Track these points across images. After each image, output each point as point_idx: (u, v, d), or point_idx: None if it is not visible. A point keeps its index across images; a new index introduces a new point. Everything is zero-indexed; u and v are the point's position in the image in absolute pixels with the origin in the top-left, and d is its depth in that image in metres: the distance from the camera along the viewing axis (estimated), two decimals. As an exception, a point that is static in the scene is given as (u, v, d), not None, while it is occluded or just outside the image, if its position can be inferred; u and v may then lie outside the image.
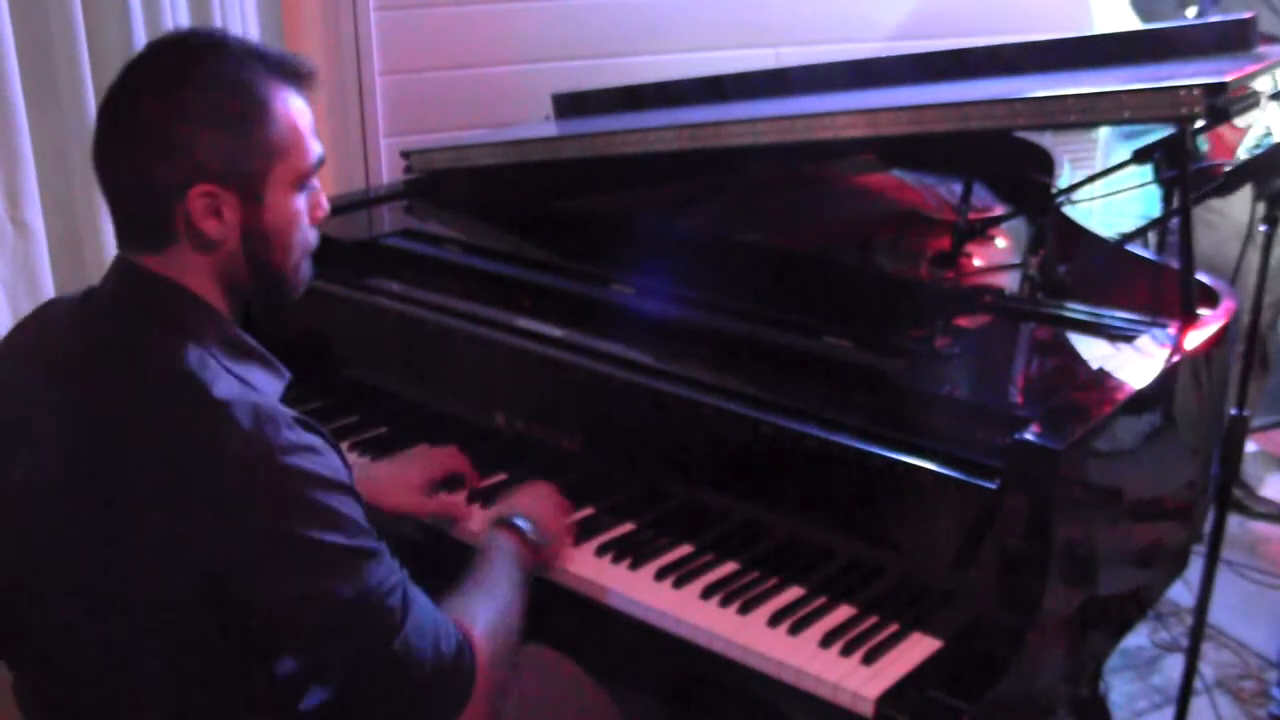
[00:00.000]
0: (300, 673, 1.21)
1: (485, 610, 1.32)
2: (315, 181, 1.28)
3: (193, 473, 1.11)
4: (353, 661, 1.18)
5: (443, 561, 1.63)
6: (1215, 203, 2.66)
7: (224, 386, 1.15)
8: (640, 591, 1.52)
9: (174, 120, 1.16)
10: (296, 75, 1.23)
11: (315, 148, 1.25)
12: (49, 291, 2.06)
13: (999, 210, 2.10)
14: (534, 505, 1.55)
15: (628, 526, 1.65)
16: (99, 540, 1.16)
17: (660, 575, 1.54)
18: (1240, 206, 2.26)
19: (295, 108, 1.22)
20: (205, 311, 1.22)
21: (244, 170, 1.19)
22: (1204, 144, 2.75)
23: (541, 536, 1.50)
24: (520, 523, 1.49)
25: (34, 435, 1.22)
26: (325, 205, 1.30)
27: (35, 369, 1.26)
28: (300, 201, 1.26)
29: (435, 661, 1.20)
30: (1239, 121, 2.67)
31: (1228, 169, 1.87)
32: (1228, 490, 1.93)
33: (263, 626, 1.16)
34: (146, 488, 1.13)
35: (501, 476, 1.77)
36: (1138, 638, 2.72)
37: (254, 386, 1.20)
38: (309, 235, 1.29)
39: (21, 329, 1.33)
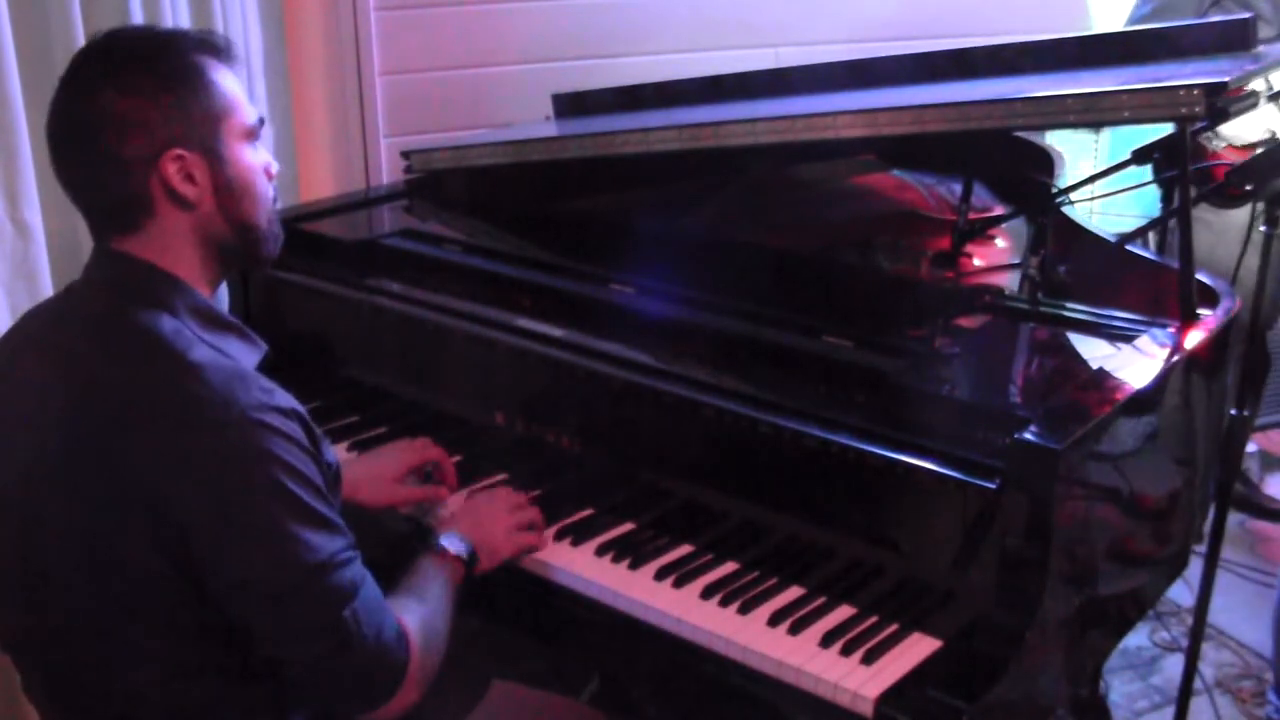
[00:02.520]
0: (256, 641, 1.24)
1: (418, 611, 1.35)
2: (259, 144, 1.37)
3: (170, 434, 1.18)
4: (303, 626, 1.22)
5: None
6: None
7: (197, 352, 1.22)
8: (640, 591, 1.52)
9: (130, 100, 1.24)
10: (216, 49, 1.32)
11: (252, 108, 1.34)
12: (49, 291, 2.06)
13: (999, 210, 2.10)
14: (475, 520, 1.57)
15: (628, 526, 1.65)
16: (95, 517, 1.21)
17: (660, 575, 1.54)
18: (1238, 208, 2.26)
19: (224, 74, 1.32)
20: (178, 287, 1.29)
21: (201, 131, 1.27)
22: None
23: (476, 551, 1.51)
24: (446, 543, 1.49)
25: (27, 425, 1.27)
26: (275, 163, 1.39)
27: (25, 365, 1.31)
28: (255, 154, 1.34)
29: (377, 642, 1.25)
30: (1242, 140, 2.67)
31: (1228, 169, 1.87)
32: (1228, 490, 1.93)
33: (224, 587, 1.20)
34: (132, 457, 1.18)
35: (501, 476, 1.77)
36: (1138, 638, 2.72)
37: (230, 356, 1.26)
38: (269, 189, 1.37)
39: (9, 334, 1.39)
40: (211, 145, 1.28)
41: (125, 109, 1.23)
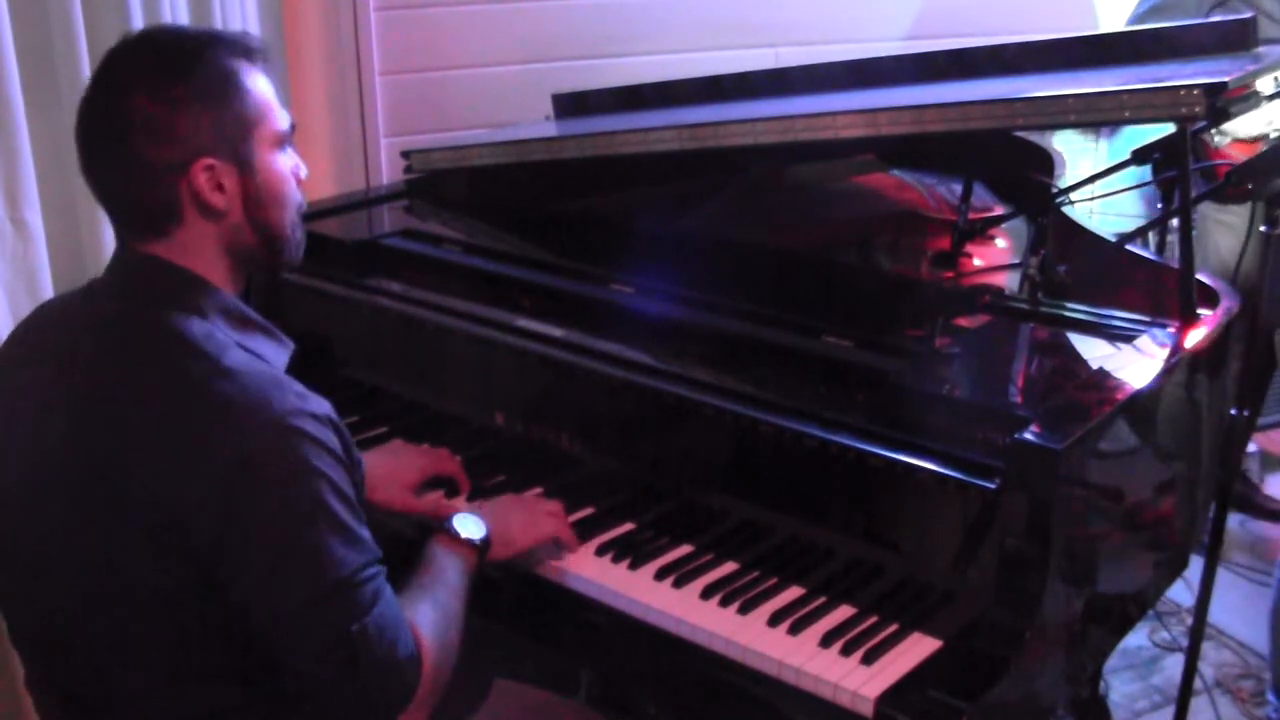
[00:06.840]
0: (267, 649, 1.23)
1: (431, 617, 1.33)
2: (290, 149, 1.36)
3: (201, 442, 1.16)
4: (314, 639, 1.20)
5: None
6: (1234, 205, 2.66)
7: (232, 356, 1.21)
8: (640, 591, 1.52)
9: (162, 105, 1.22)
10: (251, 52, 1.31)
11: (285, 113, 1.34)
12: (49, 291, 2.06)
13: (999, 210, 2.10)
14: (494, 506, 1.56)
15: (628, 526, 1.65)
16: (107, 521, 1.19)
17: (660, 575, 1.54)
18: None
19: (259, 79, 1.30)
20: (206, 288, 1.28)
21: (232, 140, 1.26)
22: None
23: (489, 535, 1.49)
24: (458, 526, 1.47)
25: (43, 426, 1.25)
26: (304, 167, 1.37)
27: (39, 364, 1.29)
28: (285, 161, 1.33)
29: (389, 657, 1.23)
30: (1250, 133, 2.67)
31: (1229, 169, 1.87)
32: (1228, 490, 1.93)
33: (247, 593, 1.19)
34: (156, 464, 1.17)
35: (501, 477, 1.77)
36: (1138, 638, 2.72)
37: (261, 356, 1.26)
38: (297, 194, 1.36)
39: (22, 330, 1.36)
40: (242, 154, 1.27)
41: (156, 115, 1.22)
